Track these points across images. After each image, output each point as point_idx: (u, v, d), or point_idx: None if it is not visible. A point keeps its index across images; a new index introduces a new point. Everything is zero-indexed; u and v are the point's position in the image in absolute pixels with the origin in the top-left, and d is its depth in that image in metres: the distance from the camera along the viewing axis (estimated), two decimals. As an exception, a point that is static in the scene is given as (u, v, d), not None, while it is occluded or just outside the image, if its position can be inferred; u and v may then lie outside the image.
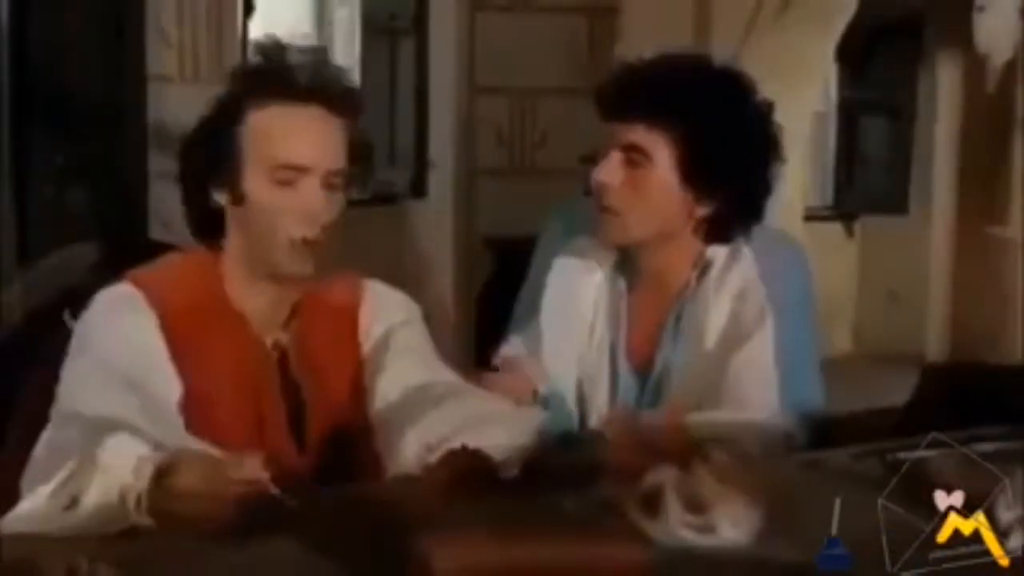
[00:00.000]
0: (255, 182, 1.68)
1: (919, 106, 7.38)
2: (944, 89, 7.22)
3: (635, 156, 1.92)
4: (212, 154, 1.71)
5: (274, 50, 1.74)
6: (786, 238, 2.15)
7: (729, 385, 1.92)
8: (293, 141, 1.68)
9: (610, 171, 1.94)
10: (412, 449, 1.63)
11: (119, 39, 4.25)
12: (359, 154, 1.75)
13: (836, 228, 7.63)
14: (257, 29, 4.89)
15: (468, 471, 1.51)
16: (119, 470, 1.38)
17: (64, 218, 4.04)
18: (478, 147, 5.54)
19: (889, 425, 2.03)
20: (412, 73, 5.61)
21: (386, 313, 1.84)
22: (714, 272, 1.99)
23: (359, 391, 1.79)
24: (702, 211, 1.96)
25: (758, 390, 1.91)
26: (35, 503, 1.40)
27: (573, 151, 5.18)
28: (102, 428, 1.44)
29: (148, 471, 1.37)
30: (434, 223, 5.49)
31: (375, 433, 1.74)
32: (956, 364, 5.62)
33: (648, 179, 1.93)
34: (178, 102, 4.21)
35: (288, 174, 1.67)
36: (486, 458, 1.55)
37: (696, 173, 1.92)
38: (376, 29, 5.73)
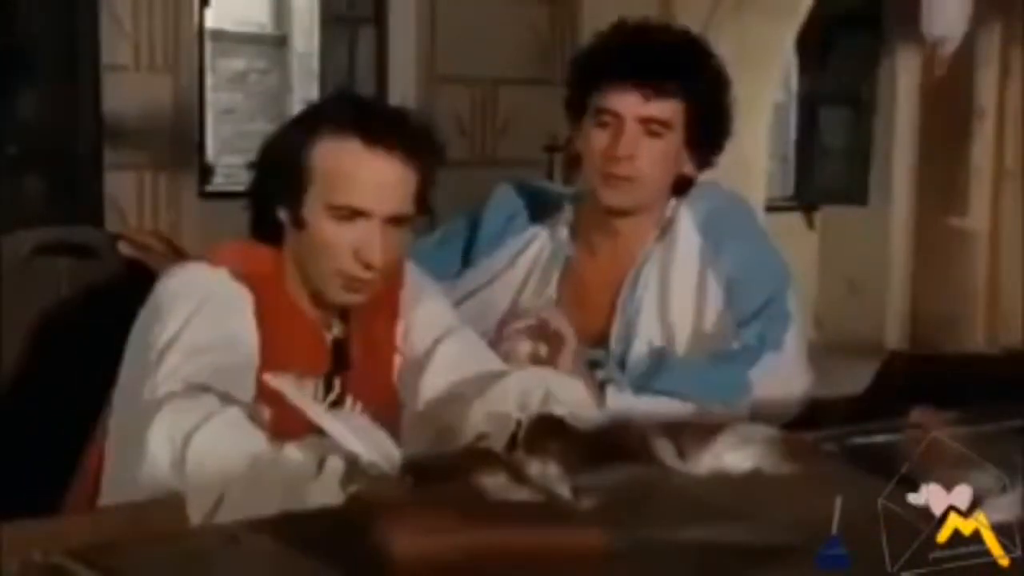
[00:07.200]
0: (315, 212, 1.65)
1: (879, 97, 7.42)
2: (904, 80, 7.27)
3: (655, 127, 1.94)
4: (279, 170, 1.67)
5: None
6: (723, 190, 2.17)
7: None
8: (359, 185, 1.64)
9: (631, 144, 1.94)
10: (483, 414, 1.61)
11: (74, 28, 4.22)
12: (426, 196, 1.72)
13: (796, 219, 7.66)
14: (213, 19, 4.86)
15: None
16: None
17: (19, 208, 4.00)
18: (439, 137, 5.51)
19: (849, 411, 2.04)
20: (372, 62, 5.58)
21: (426, 301, 1.82)
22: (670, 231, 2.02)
23: (394, 386, 1.77)
24: (687, 169, 2.01)
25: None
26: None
27: (535, 140, 5.21)
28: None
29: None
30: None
31: (415, 425, 1.71)
32: (916, 352, 5.67)
33: (667, 147, 1.96)
34: (133, 92, 4.22)
35: (348, 213, 1.64)
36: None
37: (699, 138, 1.99)
38: (335, 18, 5.71)
